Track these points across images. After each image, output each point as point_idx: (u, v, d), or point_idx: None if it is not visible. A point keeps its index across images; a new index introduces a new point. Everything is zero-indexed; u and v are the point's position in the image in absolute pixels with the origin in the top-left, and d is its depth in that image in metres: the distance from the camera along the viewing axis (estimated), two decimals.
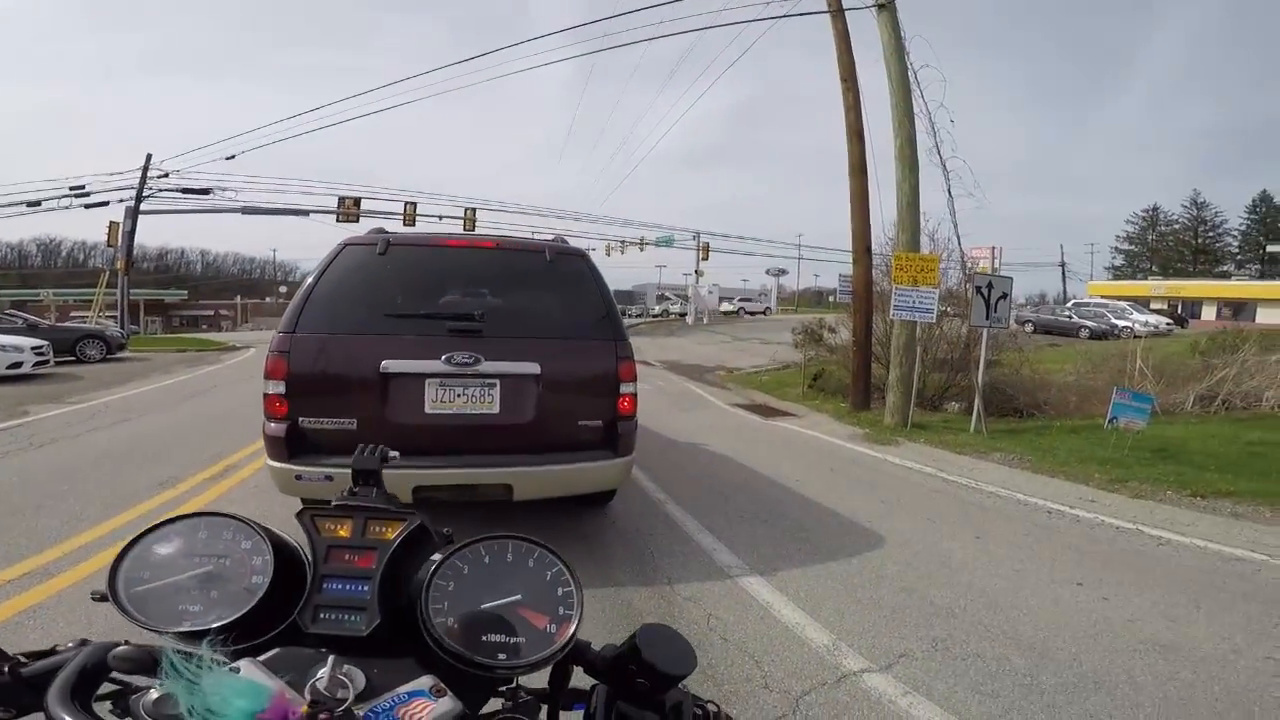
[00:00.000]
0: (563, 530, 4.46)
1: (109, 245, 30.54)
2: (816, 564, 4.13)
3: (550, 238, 4.61)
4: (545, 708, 0.75)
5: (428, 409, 3.65)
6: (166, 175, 29.42)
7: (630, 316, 46.69)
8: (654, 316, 52.83)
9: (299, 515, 0.80)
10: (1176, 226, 68.66)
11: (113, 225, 29.08)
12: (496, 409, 3.74)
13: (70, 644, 0.69)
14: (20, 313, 22.03)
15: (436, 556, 0.76)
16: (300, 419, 3.57)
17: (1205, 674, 2.96)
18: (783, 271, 67.22)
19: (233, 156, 27.34)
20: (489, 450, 3.74)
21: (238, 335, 34.05)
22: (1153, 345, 14.23)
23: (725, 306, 56.32)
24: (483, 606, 0.71)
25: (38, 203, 29.16)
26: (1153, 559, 4.57)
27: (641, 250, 47.56)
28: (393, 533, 0.78)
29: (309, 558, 0.77)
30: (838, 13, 10.51)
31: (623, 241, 46.13)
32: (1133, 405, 7.79)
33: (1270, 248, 51.61)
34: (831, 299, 51.21)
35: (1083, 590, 3.90)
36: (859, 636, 3.19)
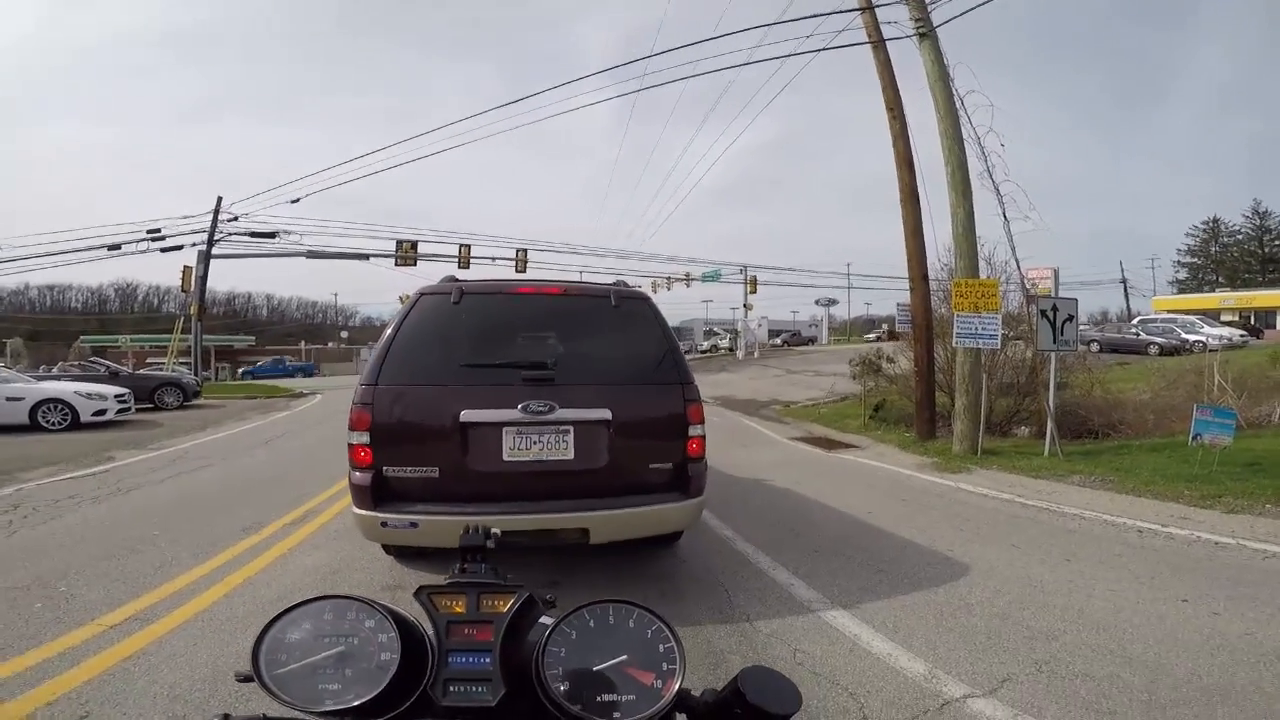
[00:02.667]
0: (635, 573, 4.45)
1: (183, 290, 31.55)
2: (900, 595, 4.01)
3: (613, 282, 4.71)
4: None
5: (506, 456, 3.72)
6: (236, 219, 30.54)
7: None
8: (702, 352, 52.72)
9: (416, 594, 0.85)
10: (1240, 237, 66.29)
11: (187, 270, 30.10)
12: (571, 455, 3.78)
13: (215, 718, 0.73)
14: (103, 360, 23.53)
15: (546, 622, 0.83)
16: (384, 468, 3.67)
17: None
18: (833, 301, 66.72)
19: (298, 200, 28.01)
20: (565, 495, 3.79)
21: (304, 381, 35.22)
22: (1228, 358, 13.55)
23: (774, 341, 55.94)
24: (594, 669, 0.77)
25: (117, 246, 30.30)
26: (1261, 572, 4.30)
27: (688, 286, 47.93)
28: (504, 605, 0.84)
29: (429, 633, 0.82)
30: (879, 44, 10.60)
31: (669, 278, 46.55)
32: (1216, 421, 7.40)
33: None
34: (885, 328, 50.32)
35: (1189, 606, 3.70)
36: (956, 664, 3.08)
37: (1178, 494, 6.41)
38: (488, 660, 0.79)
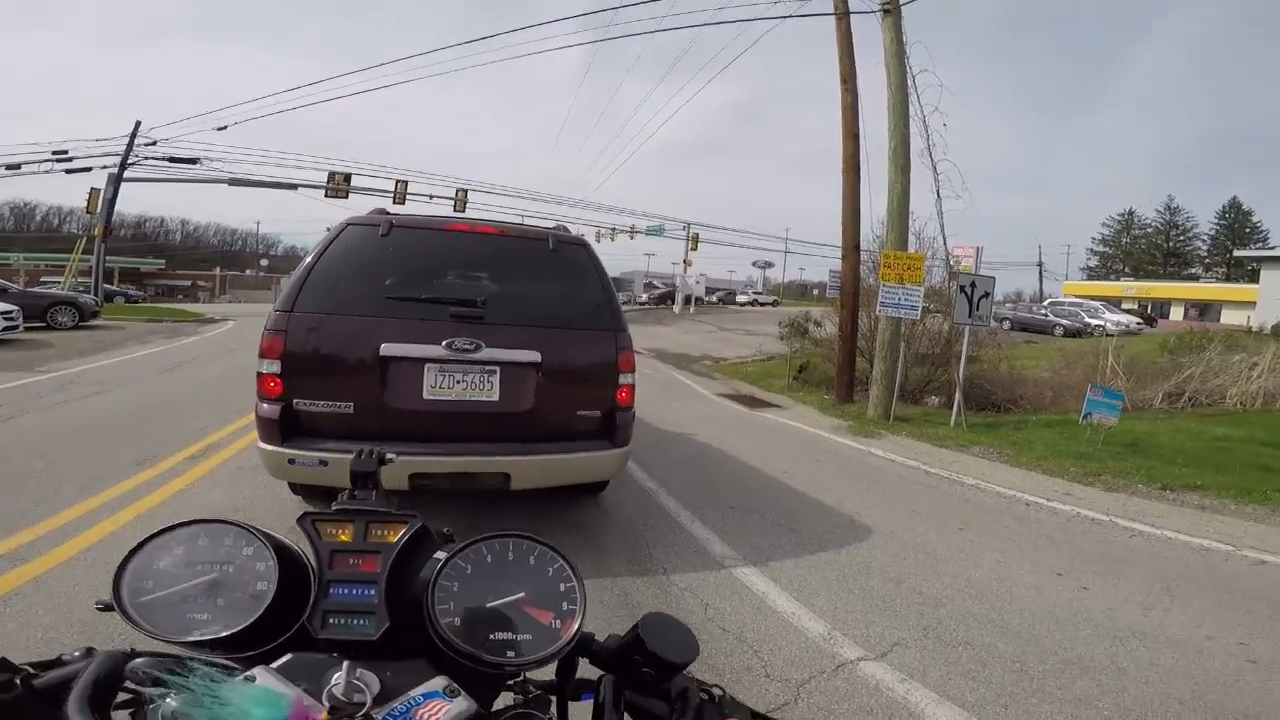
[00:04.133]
0: (557, 519, 4.52)
1: (88, 212, 29.45)
2: (807, 555, 4.23)
3: (551, 226, 4.62)
4: (554, 700, 0.77)
5: (426, 395, 3.64)
6: (155, 144, 28.52)
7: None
8: (640, 304, 52.83)
9: (300, 520, 0.81)
10: (1150, 230, 70.72)
11: (94, 192, 28.03)
12: (496, 396, 3.74)
13: (76, 653, 0.67)
14: None
15: (440, 556, 0.76)
16: (295, 400, 3.52)
17: (1184, 659, 3.12)
18: (769, 264, 67.78)
19: (224, 127, 26.43)
20: (487, 438, 3.74)
21: (216, 307, 33.47)
22: (1124, 344, 14.62)
23: (710, 299, 56.57)
24: (488, 605, 0.72)
25: (17, 166, 27.98)
26: (1126, 549, 4.75)
27: (632, 238, 47.55)
28: (395, 535, 0.80)
29: (312, 563, 0.77)
30: (843, 15, 10.61)
31: (613, 229, 46.03)
32: (1105, 402, 8.01)
33: (1237, 252, 53.16)
34: (816, 292, 51.57)
35: (1063, 580, 4.06)
36: (853, 626, 3.30)
37: (1065, 470, 6.95)
38: (372, 592, 0.74)
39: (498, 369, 3.73)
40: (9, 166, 27.92)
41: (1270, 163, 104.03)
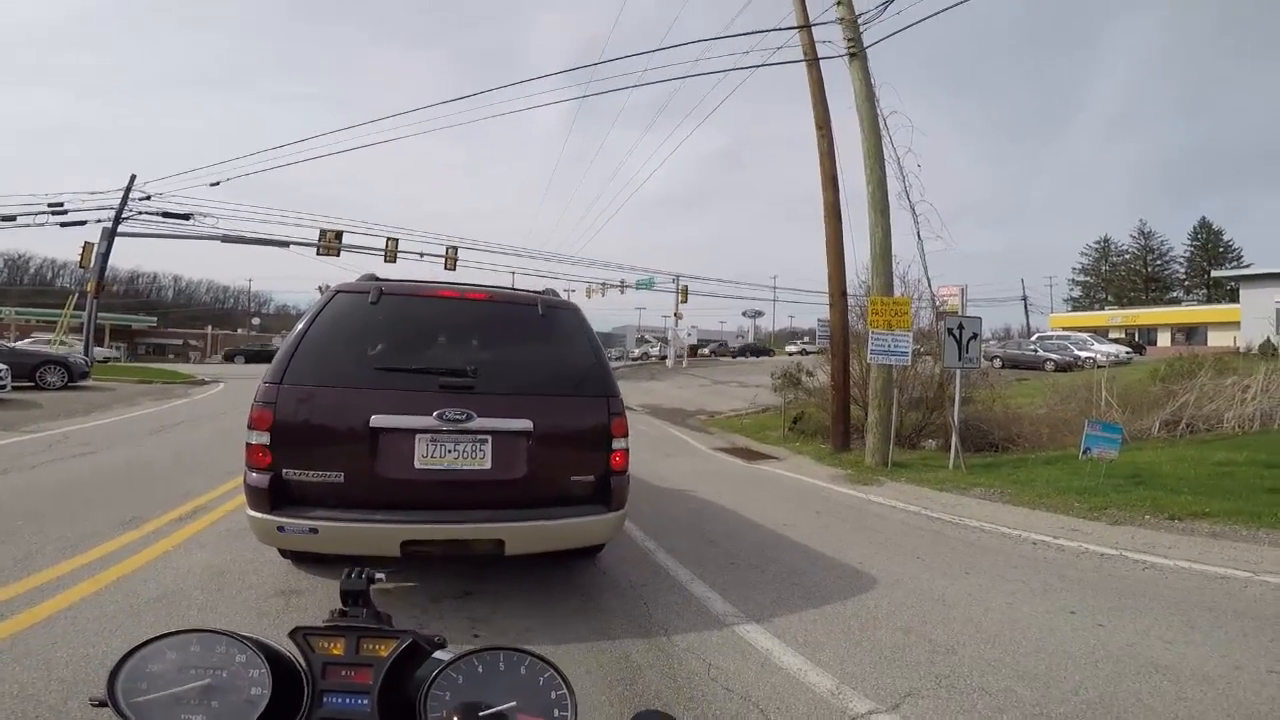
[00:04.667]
0: (555, 581, 4.39)
1: (81, 266, 29.40)
2: (811, 608, 4.10)
3: (541, 290, 4.65)
4: None
5: (418, 464, 3.59)
6: (149, 198, 28.63)
7: (611, 360, 47.06)
8: (634, 359, 53.00)
9: (291, 635, 0.83)
10: (1127, 256, 71.27)
11: (87, 246, 28.04)
12: (489, 465, 3.69)
13: None
14: None
15: (439, 659, 0.81)
16: (284, 470, 3.48)
17: (1212, 691, 2.99)
18: (759, 313, 68.45)
19: (218, 183, 26.39)
20: (480, 505, 3.68)
21: (207, 368, 33.38)
22: (1115, 374, 14.65)
23: (703, 350, 56.81)
24: (481, 715, 0.75)
25: (12, 218, 28.04)
26: (1140, 583, 4.63)
27: (622, 293, 48.18)
28: (386, 650, 0.82)
29: (305, 671, 0.80)
30: (813, 62, 10.94)
31: (603, 284, 46.64)
32: (1104, 436, 7.97)
33: (1215, 273, 53.79)
34: (806, 340, 51.95)
35: (1077, 618, 3.93)
36: (862, 679, 3.16)
37: (1069, 506, 6.84)
38: (364, 702, 0.77)
39: (489, 437, 3.69)
40: (4, 218, 27.96)
41: (1233, 179, 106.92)
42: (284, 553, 4.19)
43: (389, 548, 3.50)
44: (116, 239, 28.51)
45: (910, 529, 6.23)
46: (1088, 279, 73.11)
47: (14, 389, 14.46)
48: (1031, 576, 4.77)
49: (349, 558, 3.84)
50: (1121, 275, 70.57)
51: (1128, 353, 34.48)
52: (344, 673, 0.80)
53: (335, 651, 0.81)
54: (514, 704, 0.76)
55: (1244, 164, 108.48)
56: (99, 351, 32.34)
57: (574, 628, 3.68)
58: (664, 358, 48.26)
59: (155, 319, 63.97)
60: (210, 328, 64.33)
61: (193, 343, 59.22)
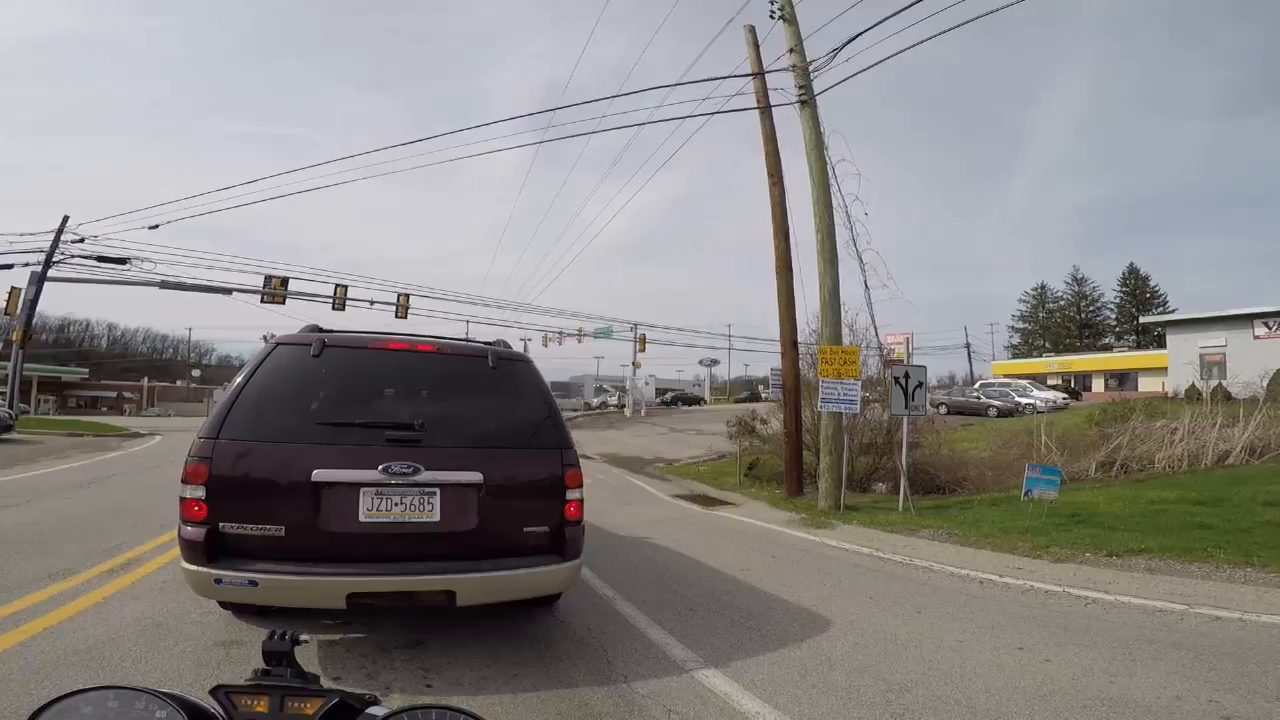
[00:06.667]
0: (510, 630, 4.31)
1: (6, 313, 27.68)
2: (769, 651, 4.12)
3: (493, 340, 4.68)
4: None
5: (363, 517, 3.53)
6: (82, 240, 27.14)
7: (568, 410, 46.62)
8: (592, 409, 52.64)
9: (213, 692, 0.82)
10: (1062, 303, 72.86)
11: (14, 291, 26.52)
12: (437, 516, 3.64)
13: None
14: None
15: (374, 713, 0.81)
16: (221, 524, 3.39)
17: None
18: (715, 362, 69.15)
19: (156, 226, 25.09)
20: (429, 557, 3.63)
21: (143, 421, 31.92)
22: (1053, 419, 15.30)
23: (661, 399, 56.92)
24: None
25: None
26: (1084, 618, 4.79)
27: (580, 342, 48.05)
28: (311, 709, 0.82)
29: None
30: (765, 109, 11.24)
31: (560, 333, 46.49)
32: (1044, 478, 8.28)
33: (1143, 319, 55.90)
34: (761, 388, 52.55)
35: (1024, 654, 4.04)
36: (819, 719, 3.19)
37: (1013, 545, 7.05)
38: None
39: (438, 490, 3.66)
40: None
41: (1154, 226, 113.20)
42: (224, 604, 4.03)
43: (334, 600, 3.43)
44: (46, 284, 26.89)
45: (863, 570, 6.33)
46: (1026, 325, 75.02)
47: None
48: (980, 614, 4.89)
49: (290, 610, 3.71)
50: (1057, 322, 72.42)
51: (1064, 398, 35.97)
52: None
53: (259, 709, 0.80)
54: None
55: (1164, 209, 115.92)
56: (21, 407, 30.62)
57: (531, 677, 3.62)
58: (622, 406, 48.23)
59: (87, 371, 60.93)
60: (147, 379, 61.82)
61: (128, 395, 56.66)
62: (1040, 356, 60.15)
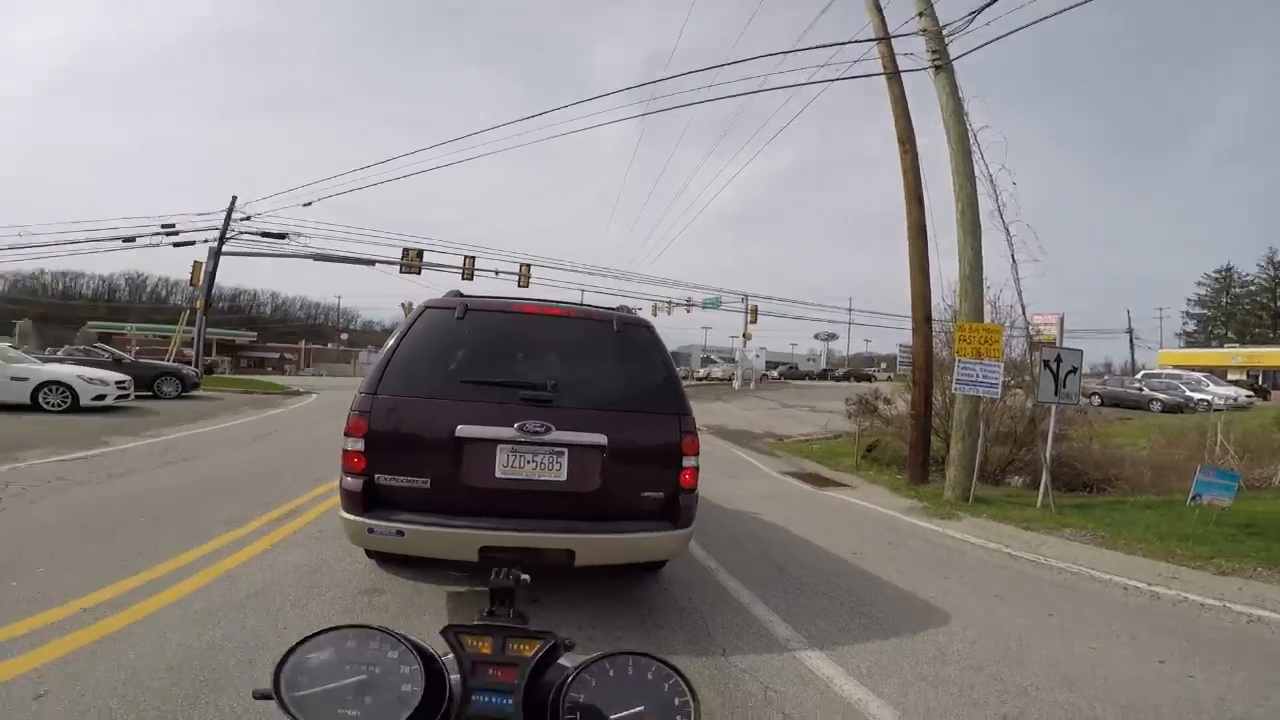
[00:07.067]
0: (617, 597, 4.43)
1: (192, 284, 31.86)
2: (878, 639, 3.98)
3: (615, 306, 4.76)
4: None
5: (498, 473, 3.74)
6: (249, 218, 30.63)
7: None
8: (698, 379, 52.51)
9: (443, 632, 0.87)
10: (1253, 288, 63.57)
11: (196, 265, 30.24)
12: (564, 476, 3.79)
13: None
14: (107, 346, 23.92)
15: (564, 664, 0.85)
16: (376, 475, 3.70)
17: None
18: (832, 336, 66.74)
19: (310, 203, 27.85)
20: (554, 515, 3.79)
21: (301, 380, 35.37)
22: (1233, 419, 13.54)
23: (770, 373, 55.80)
24: (611, 718, 0.79)
25: (132, 239, 30.50)
26: (1242, 635, 4.29)
27: (688, 311, 47.81)
28: (530, 650, 0.86)
29: (451, 671, 0.84)
30: (894, 75, 10.48)
31: (669, 301, 46.56)
32: (1218, 482, 7.34)
33: None
34: (884, 365, 50.16)
35: (1166, 668, 3.66)
36: (925, 714, 3.05)
37: (1169, 553, 6.35)
38: (510, 702, 0.81)
39: (566, 450, 3.80)
40: (125, 239, 30.41)
41: None
42: (369, 553, 4.43)
43: (468, 552, 3.66)
44: (221, 258, 30.53)
45: (990, 566, 5.94)
46: (1205, 311, 65.95)
47: (136, 398, 15.82)
48: (1120, 622, 4.46)
49: (428, 561, 4.01)
50: (1245, 309, 63.08)
51: (1248, 396, 31.72)
52: (491, 671, 0.83)
53: (484, 650, 0.85)
54: (641, 709, 0.80)
55: None
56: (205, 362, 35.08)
57: (633, 640, 3.71)
58: (730, 378, 47.62)
59: (255, 334, 68.37)
60: (304, 342, 67.66)
61: (288, 356, 62.54)
62: (1221, 347, 53.06)
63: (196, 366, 25.06)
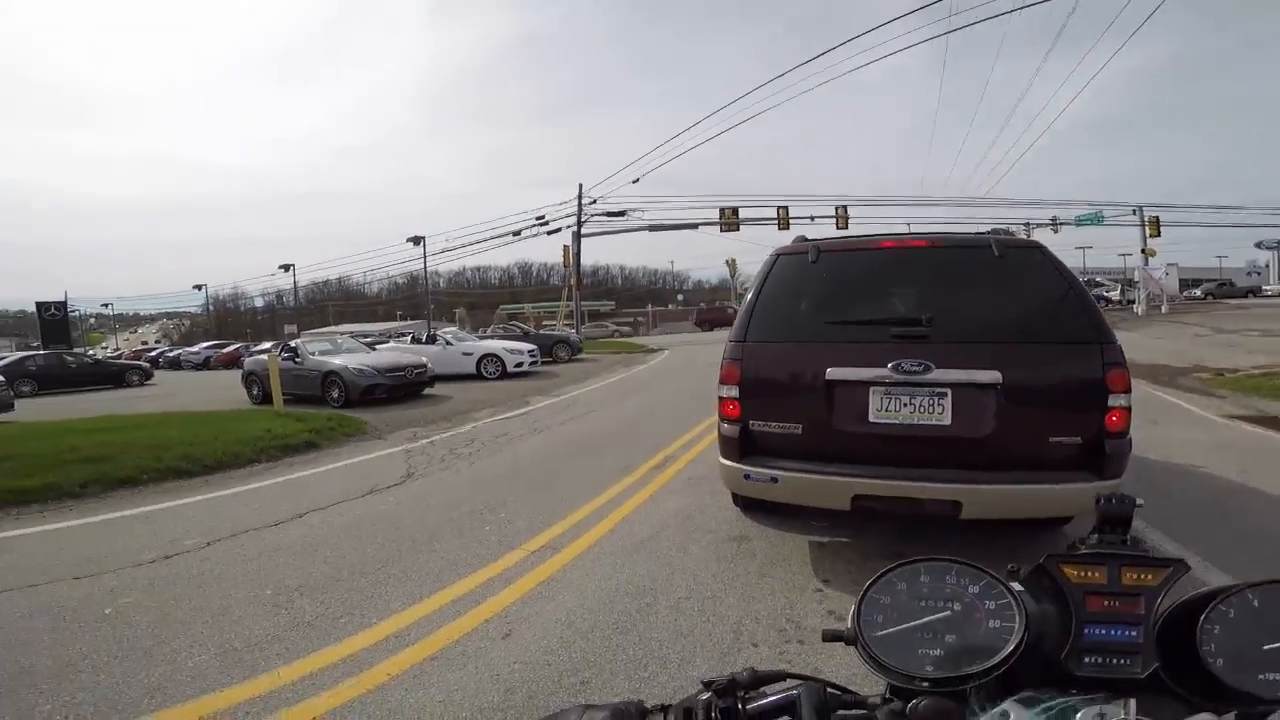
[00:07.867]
0: (1000, 547, 3.93)
1: (564, 265, 39.75)
2: None
3: (990, 230, 4.19)
4: None
5: (872, 417, 3.58)
6: (594, 201, 36.39)
7: None
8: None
9: (1045, 561, 0.80)
10: None
11: (565, 249, 37.30)
12: (948, 420, 3.48)
13: (791, 682, 0.74)
14: (518, 323, 31.24)
15: (1217, 590, 0.74)
16: (750, 422, 3.81)
17: None
18: None
19: (637, 180, 32.09)
20: (936, 463, 3.50)
21: (651, 339, 40.32)
22: None
23: (1190, 292, 44.69)
24: (1264, 648, 0.70)
25: (518, 233, 39.10)
26: None
27: (1055, 232, 41.01)
28: (1155, 579, 0.76)
29: (1053, 604, 0.78)
30: None
31: (1027, 224, 40.44)
32: None
33: None
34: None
35: None
36: None
37: None
38: (1135, 633, 0.74)
39: (949, 391, 3.49)
40: (514, 234, 39.28)
41: None
42: (735, 499, 4.61)
43: (840, 501, 3.58)
44: (582, 240, 36.68)
45: None
46: None
47: (542, 363, 20.28)
48: None
49: (792, 509, 4.06)
50: None
51: None
52: (1106, 602, 0.76)
53: (1096, 579, 0.77)
54: None
55: None
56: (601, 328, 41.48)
57: None
58: (1130, 302, 39.15)
59: (613, 303, 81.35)
60: (650, 305, 75.55)
61: (640, 319, 70.04)
62: None
63: (578, 333, 30.35)
